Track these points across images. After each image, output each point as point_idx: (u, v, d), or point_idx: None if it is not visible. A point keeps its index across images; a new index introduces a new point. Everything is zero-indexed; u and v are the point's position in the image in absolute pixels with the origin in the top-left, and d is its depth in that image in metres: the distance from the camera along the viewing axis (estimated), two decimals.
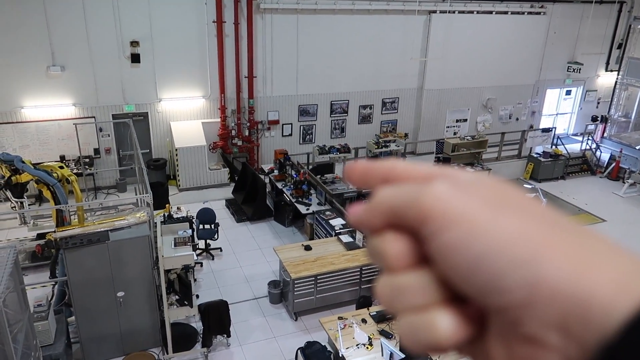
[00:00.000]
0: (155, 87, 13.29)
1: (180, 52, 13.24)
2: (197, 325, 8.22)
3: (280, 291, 9.16)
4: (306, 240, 10.79)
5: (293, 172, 12.48)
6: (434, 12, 15.43)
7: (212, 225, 10.80)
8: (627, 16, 17.53)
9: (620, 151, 15.96)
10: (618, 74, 16.57)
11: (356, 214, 0.47)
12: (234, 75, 13.81)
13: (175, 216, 9.67)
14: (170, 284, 7.72)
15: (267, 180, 12.95)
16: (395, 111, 16.30)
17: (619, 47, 17.60)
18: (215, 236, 10.66)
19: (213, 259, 10.57)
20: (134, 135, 10.51)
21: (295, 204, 11.48)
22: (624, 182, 15.14)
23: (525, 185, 13.59)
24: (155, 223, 7.86)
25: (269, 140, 14.88)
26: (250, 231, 11.81)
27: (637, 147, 15.66)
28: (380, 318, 7.54)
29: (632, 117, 16.83)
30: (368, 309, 7.88)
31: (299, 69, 14.57)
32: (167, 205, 10.18)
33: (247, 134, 14.41)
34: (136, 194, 11.49)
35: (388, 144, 15.01)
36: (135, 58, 12.72)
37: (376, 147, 14.68)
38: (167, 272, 7.43)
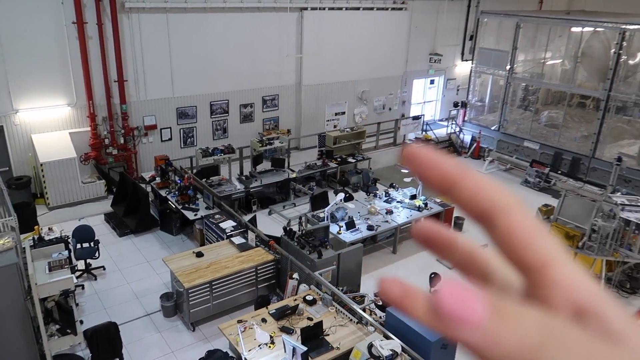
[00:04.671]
0: (9, 97, 11.92)
1: (37, 57, 12.01)
2: (85, 352, 7.61)
3: (174, 303, 8.81)
4: (197, 246, 10.48)
5: (177, 178, 12.02)
6: (305, 9, 15.78)
7: (92, 243, 10.02)
8: (475, 10, 19.44)
9: (480, 132, 17.76)
10: (472, 63, 18.36)
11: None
12: (102, 80, 12.88)
13: (47, 238, 8.83)
14: (48, 313, 7.05)
15: (149, 189, 12.32)
16: (276, 108, 16.43)
17: (471, 38, 19.49)
18: (96, 254, 9.91)
19: (96, 279, 9.82)
20: None
21: (182, 210, 11.08)
22: (484, 160, 16.89)
23: (402, 170, 14.56)
24: (24, 248, 7.10)
25: (148, 147, 14.15)
26: (136, 244, 11.17)
27: (492, 128, 17.54)
28: (279, 315, 7.61)
29: (487, 101, 18.79)
30: (267, 308, 7.91)
31: (173, 70, 14.01)
32: (35, 227, 9.23)
33: (122, 141, 13.55)
34: None
35: (272, 142, 15.11)
36: None
37: (260, 145, 14.68)
38: (43, 300, 6.77)
